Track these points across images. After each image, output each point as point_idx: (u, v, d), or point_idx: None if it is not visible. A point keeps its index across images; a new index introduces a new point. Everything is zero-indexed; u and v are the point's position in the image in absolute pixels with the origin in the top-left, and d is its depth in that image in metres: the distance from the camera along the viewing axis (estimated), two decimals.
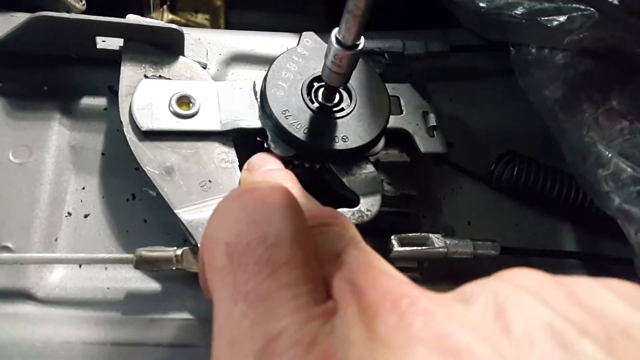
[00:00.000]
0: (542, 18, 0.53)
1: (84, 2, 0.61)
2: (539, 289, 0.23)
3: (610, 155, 0.50)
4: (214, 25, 0.88)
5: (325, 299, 0.26)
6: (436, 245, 0.54)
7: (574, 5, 0.51)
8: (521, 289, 0.23)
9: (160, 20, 0.82)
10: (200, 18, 0.87)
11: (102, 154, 0.55)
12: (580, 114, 0.53)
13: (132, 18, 0.54)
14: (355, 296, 0.25)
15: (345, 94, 0.54)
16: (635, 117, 0.50)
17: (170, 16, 0.85)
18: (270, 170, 0.47)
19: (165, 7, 0.84)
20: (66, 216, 0.52)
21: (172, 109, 0.51)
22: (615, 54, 0.52)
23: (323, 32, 0.52)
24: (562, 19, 0.52)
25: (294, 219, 0.28)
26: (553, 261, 0.60)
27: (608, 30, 0.50)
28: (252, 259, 0.26)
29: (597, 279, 0.25)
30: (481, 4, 0.56)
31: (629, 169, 0.49)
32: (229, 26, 0.88)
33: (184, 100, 0.52)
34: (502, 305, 0.23)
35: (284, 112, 0.52)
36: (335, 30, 0.44)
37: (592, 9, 0.50)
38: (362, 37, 0.45)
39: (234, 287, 0.26)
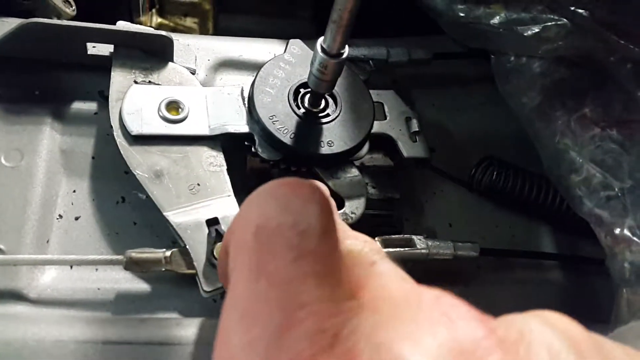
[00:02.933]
0: (519, 27, 0.55)
1: (74, 7, 0.62)
2: (574, 341, 0.24)
3: (582, 161, 0.52)
4: (203, 29, 0.88)
5: (349, 297, 0.25)
6: (418, 246, 0.55)
7: (549, 15, 0.53)
8: (562, 337, 0.24)
9: (149, 23, 0.83)
10: (189, 22, 0.88)
11: (93, 157, 0.56)
12: (554, 120, 0.55)
13: (122, 25, 0.56)
14: (389, 300, 0.25)
15: (330, 100, 0.56)
16: (606, 124, 0.53)
17: (159, 20, 0.86)
18: None
19: (154, 10, 0.85)
20: (57, 218, 0.53)
21: (161, 114, 0.52)
22: (588, 62, 0.54)
23: (311, 36, 0.54)
24: (537, 28, 0.54)
25: (326, 215, 0.28)
26: (531, 262, 0.62)
27: (580, 39, 0.52)
28: (281, 241, 0.26)
29: (624, 346, 0.26)
30: (461, 14, 0.58)
31: (599, 175, 0.51)
32: (218, 30, 0.89)
33: (173, 106, 0.53)
34: (541, 346, 0.23)
35: (271, 118, 0.53)
36: (321, 39, 0.46)
37: (565, 19, 0.52)
38: (347, 46, 0.46)
39: (257, 265, 0.25)
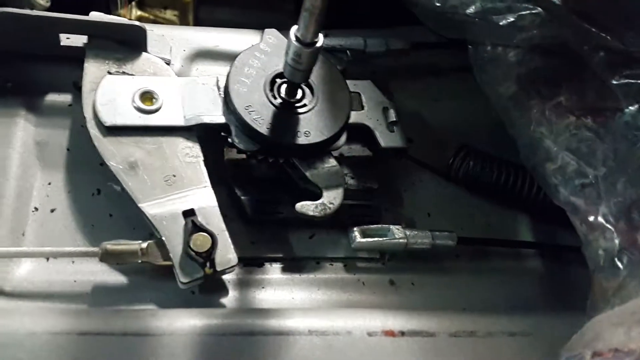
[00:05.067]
0: (494, 16, 0.55)
1: None
2: None
3: (557, 149, 0.52)
4: (183, 21, 0.88)
5: None
6: (396, 236, 0.56)
7: (523, 4, 0.53)
8: None
9: (128, 16, 0.82)
10: (169, 14, 0.88)
11: (68, 149, 0.56)
12: (530, 109, 0.55)
13: (95, 15, 0.55)
14: None
15: (307, 90, 0.56)
16: (581, 113, 0.53)
17: (139, 12, 0.85)
18: None
19: (133, 3, 0.84)
20: (33, 211, 0.53)
21: (135, 105, 0.52)
22: (563, 51, 0.54)
23: None
24: (512, 17, 0.54)
25: None
26: (509, 250, 0.62)
27: (555, 28, 0.52)
28: None
29: None
30: (437, 3, 0.58)
31: (574, 163, 0.51)
32: (198, 22, 0.89)
33: (147, 96, 0.53)
34: None
35: (247, 108, 0.53)
36: (294, 27, 0.46)
37: (539, 8, 0.52)
38: (321, 35, 0.46)
39: None
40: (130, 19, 0.79)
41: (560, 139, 0.53)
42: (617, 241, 0.49)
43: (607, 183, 0.51)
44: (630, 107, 0.51)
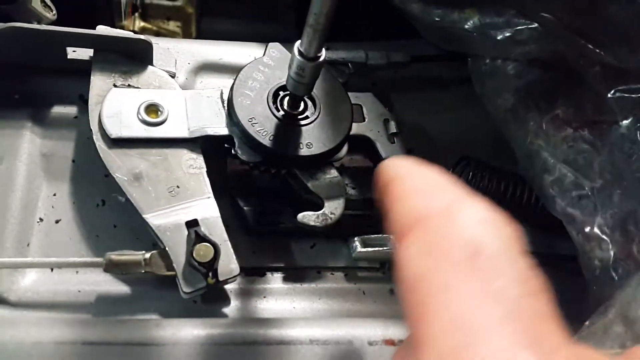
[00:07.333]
0: (492, 31, 0.56)
1: (54, 12, 0.62)
2: None
3: (554, 161, 0.53)
4: (186, 32, 0.89)
5: None
6: None
7: (520, 19, 0.54)
8: None
9: (132, 27, 0.84)
10: (172, 25, 0.89)
11: (73, 161, 0.57)
12: (528, 121, 0.56)
13: (101, 29, 0.56)
14: None
15: (309, 103, 0.57)
16: (578, 125, 0.54)
17: (142, 24, 0.86)
18: None
19: (136, 14, 0.86)
20: (38, 222, 0.53)
21: (140, 117, 0.53)
22: (560, 64, 0.55)
23: (294, 40, 0.54)
24: (509, 32, 0.55)
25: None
26: None
27: (551, 43, 0.54)
28: (511, 269, 0.24)
29: None
30: (436, 18, 0.59)
31: (571, 175, 0.52)
32: (201, 34, 0.90)
33: (153, 109, 0.54)
34: None
35: (250, 120, 0.54)
36: (298, 42, 0.47)
37: (536, 23, 0.53)
38: (324, 49, 0.47)
39: (484, 288, 0.23)
40: (133, 30, 0.81)
41: (557, 151, 0.54)
42: (612, 252, 0.50)
43: (603, 195, 0.52)
44: (625, 120, 0.53)
